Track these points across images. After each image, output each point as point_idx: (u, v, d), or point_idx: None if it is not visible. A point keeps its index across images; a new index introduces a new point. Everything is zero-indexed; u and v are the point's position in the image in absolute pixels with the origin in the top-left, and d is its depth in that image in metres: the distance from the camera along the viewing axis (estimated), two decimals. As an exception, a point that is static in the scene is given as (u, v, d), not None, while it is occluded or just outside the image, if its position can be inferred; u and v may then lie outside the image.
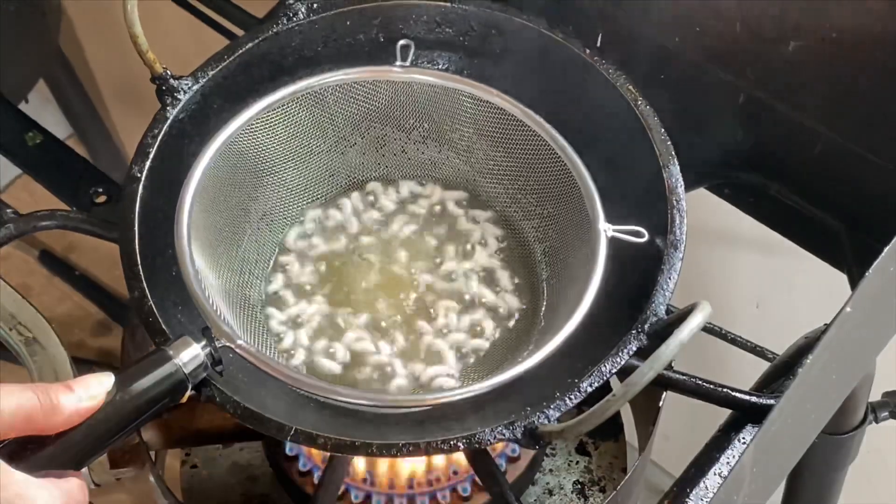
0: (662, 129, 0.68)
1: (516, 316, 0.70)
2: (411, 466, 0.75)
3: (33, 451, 0.51)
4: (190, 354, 0.56)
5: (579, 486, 0.81)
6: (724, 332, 0.84)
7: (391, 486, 0.74)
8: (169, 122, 0.69)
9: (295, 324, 0.70)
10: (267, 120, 0.68)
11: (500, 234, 0.74)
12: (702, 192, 0.82)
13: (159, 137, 0.68)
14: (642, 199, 0.66)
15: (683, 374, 0.63)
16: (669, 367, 0.64)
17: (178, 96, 0.69)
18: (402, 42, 0.69)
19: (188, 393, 0.57)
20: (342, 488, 0.74)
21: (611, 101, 0.69)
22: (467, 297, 0.71)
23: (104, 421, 0.53)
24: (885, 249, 0.60)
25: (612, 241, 0.62)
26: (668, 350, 0.52)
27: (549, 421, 0.58)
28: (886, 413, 0.87)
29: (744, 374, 0.70)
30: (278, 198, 0.73)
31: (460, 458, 0.74)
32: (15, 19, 1.05)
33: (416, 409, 0.60)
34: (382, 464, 0.74)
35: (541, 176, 0.69)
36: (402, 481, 0.75)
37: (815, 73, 0.74)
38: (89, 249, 1.41)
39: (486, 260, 0.72)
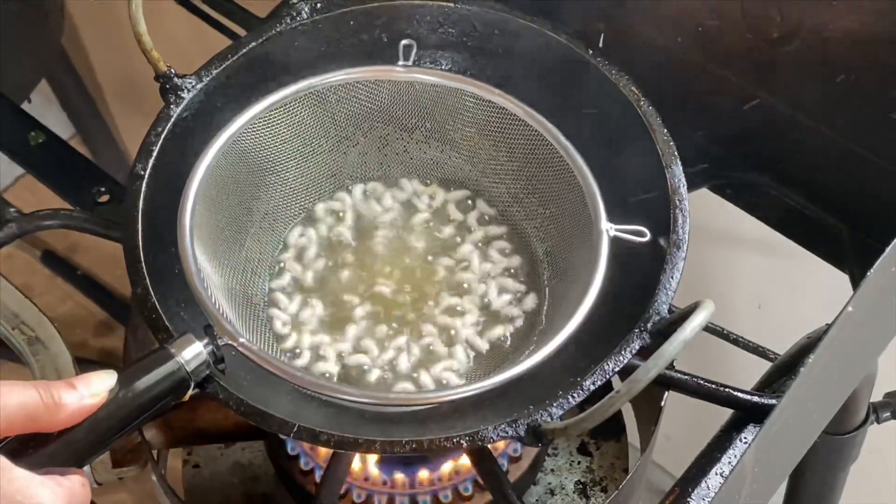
0: (665, 130, 0.68)
1: (518, 315, 0.70)
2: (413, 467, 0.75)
3: (35, 448, 0.51)
4: (192, 352, 0.56)
5: (581, 486, 0.81)
6: (725, 332, 0.84)
7: (392, 485, 0.74)
8: (173, 120, 0.69)
9: (297, 323, 0.70)
10: (269, 119, 0.68)
11: (502, 233, 0.74)
12: (704, 192, 0.82)
13: (163, 135, 0.68)
14: (645, 199, 0.66)
15: (685, 373, 0.63)
16: (671, 366, 0.64)
17: (182, 95, 0.69)
18: (404, 42, 0.70)
19: (190, 391, 0.57)
20: (344, 487, 0.74)
21: (613, 102, 0.70)
22: (469, 296, 0.71)
23: (106, 419, 0.53)
24: (887, 250, 0.60)
25: (615, 241, 0.62)
26: (672, 347, 0.52)
27: (552, 419, 0.58)
28: (888, 413, 0.87)
29: (745, 374, 0.70)
30: (281, 197, 0.73)
31: (462, 457, 0.74)
32: (18, 19, 1.05)
33: (419, 408, 0.60)
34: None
35: (543, 176, 0.69)
36: (404, 480, 0.75)
37: (817, 73, 0.74)
38: (91, 249, 1.42)
39: (488, 260, 0.72)
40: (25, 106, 1.08)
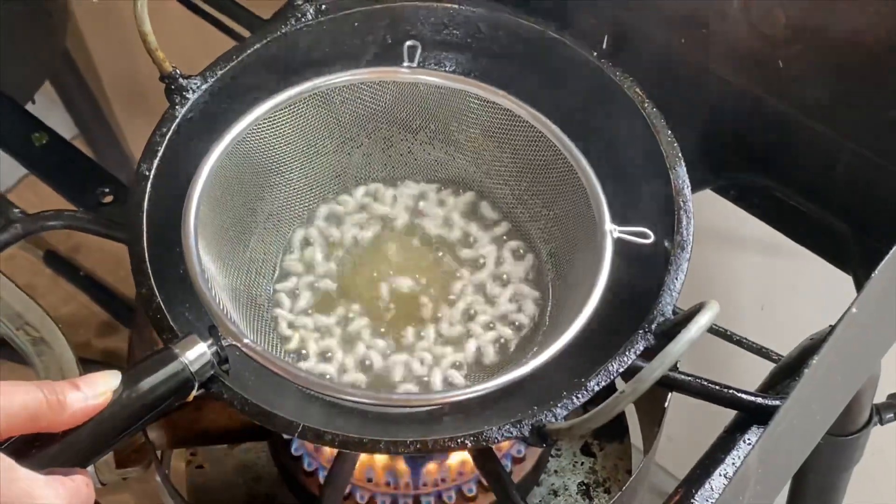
0: (669, 131, 0.68)
1: (521, 317, 0.70)
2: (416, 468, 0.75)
3: (39, 448, 0.51)
4: (196, 353, 0.56)
5: (584, 487, 0.81)
6: (728, 333, 0.84)
7: (396, 486, 0.74)
8: (177, 120, 0.69)
9: (302, 325, 0.70)
10: (274, 120, 0.68)
11: (505, 234, 0.74)
12: (707, 194, 0.82)
13: (168, 136, 0.68)
14: (649, 201, 0.66)
15: (689, 375, 0.63)
16: (675, 368, 0.64)
17: (187, 95, 0.70)
18: (409, 43, 0.70)
19: (194, 392, 0.57)
20: (347, 488, 0.74)
21: (617, 103, 0.70)
22: (473, 298, 0.71)
23: (111, 419, 0.53)
24: (892, 251, 0.60)
25: (619, 243, 0.62)
26: (679, 346, 0.52)
27: (556, 419, 0.58)
28: (891, 415, 0.87)
29: (748, 375, 0.70)
30: (285, 198, 0.73)
31: (466, 458, 0.74)
32: (22, 20, 1.06)
33: (424, 409, 0.60)
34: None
35: (547, 177, 0.69)
36: (407, 482, 0.75)
37: (821, 74, 0.74)
38: (94, 250, 1.42)
39: (491, 261, 0.72)
40: (29, 107, 1.08)
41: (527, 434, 0.57)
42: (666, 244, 0.63)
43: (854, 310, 0.58)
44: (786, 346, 0.69)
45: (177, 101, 0.70)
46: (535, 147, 0.69)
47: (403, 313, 0.70)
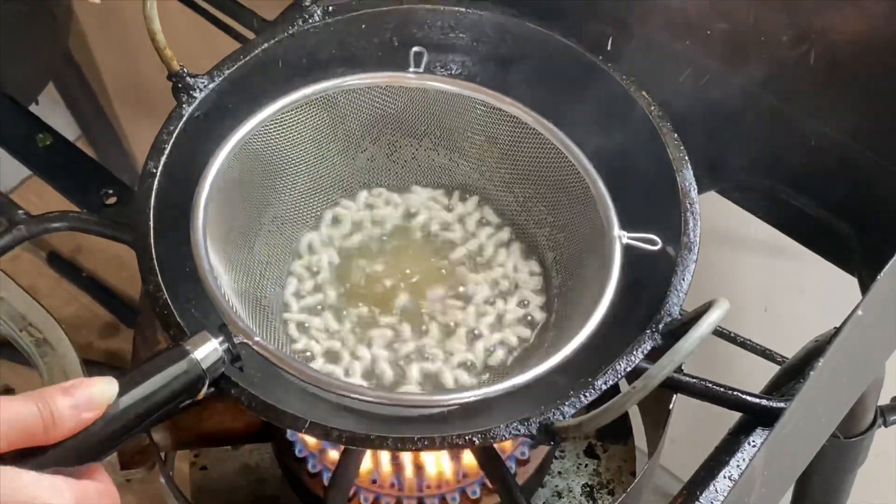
0: (675, 134, 0.68)
1: (528, 322, 0.70)
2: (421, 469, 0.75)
3: (37, 452, 0.51)
4: (207, 350, 0.56)
5: (588, 489, 0.81)
6: (732, 335, 0.84)
7: (401, 487, 0.74)
8: (184, 119, 0.69)
9: (309, 327, 0.70)
10: (279, 122, 0.68)
11: (511, 241, 0.74)
12: (711, 196, 0.82)
13: (174, 134, 0.68)
14: (656, 204, 0.66)
15: (694, 377, 0.63)
16: (680, 370, 0.64)
17: (194, 94, 0.70)
18: (415, 49, 0.70)
19: (205, 390, 0.56)
20: (352, 490, 0.74)
21: (623, 106, 0.70)
22: (478, 303, 0.71)
23: (121, 416, 0.53)
24: (898, 252, 0.59)
25: (626, 247, 0.62)
26: (688, 343, 0.52)
27: (564, 418, 0.58)
28: (895, 417, 0.87)
29: (752, 377, 0.70)
30: (290, 201, 0.73)
31: (470, 460, 0.74)
32: (25, 21, 1.06)
33: (433, 409, 0.60)
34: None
35: (553, 183, 0.69)
36: (412, 483, 0.75)
37: (825, 76, 0.74)
38: (97, 251, 1.42)
39: (497, 266, 0.72)
40: (32, 108, 1.08)
41: (535, 432, 0.57)
42: (668, 250, 0.63)
43: (860, 312, 0.58)
44: (789, 348, 0.69)
45: (184, 99, 0.70)
46: (540, 153, 0.69)
47: (410, 316, 0.70)
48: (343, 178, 0.75)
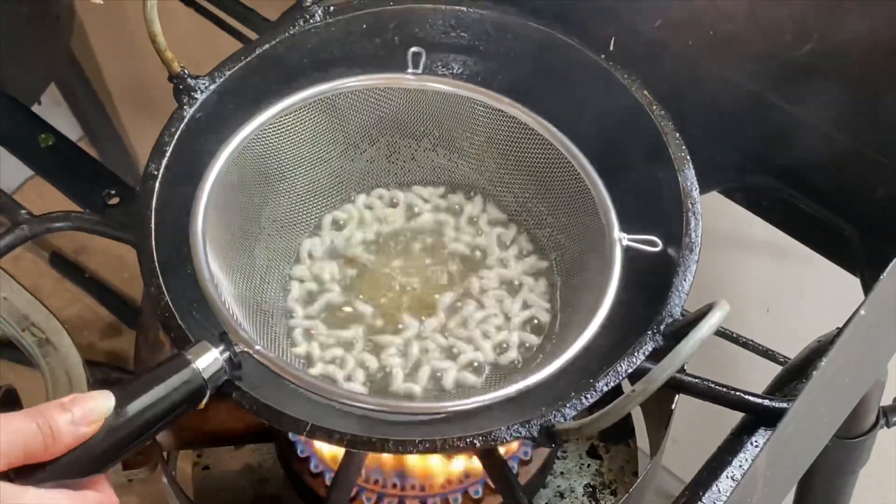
0: (677, 133, 0.68)
1: (532, 324, 0.70)
2: (423, 469, 0.75)
3: (40, 466, 0.51)
4: (208, 359, 0.56)
5: (590, 489, 0.81)
6: (735, 335, 0.84)
7: (403, 488, 0.74)
8: (185, 120, 0.69)
9: (311, 331, 0.70)
10: (278, 126, 0.68)
11: (511, 242, 0.74)
12: (714, 196, 0.82)
13: (176, 136, 0.68)
14: (657, 203, 0.66)
15: (696, 377, 0.63)
16: (682, 370, 0.64)
17: (195, 95, 0.70)
18: (413, 49, 0.70)
19: (206, 398, 0.57)
20: (354, 490, 0.74)
21: (625, 105, 0.70)
22: (481, 303, 0.71)
23: (125, 426, 0.53)
24: (901, 253, 0.59)
25: (627, 248, 0.62)
26: (690, 345, 0.52)
27: (565, 419, 0.58)
28: (898, 417, 0.87)
29: (754, 377, 0.70)
30: (289, 204, 0.73)
31: (472, 459, 0.74)
32: (28, 22, 1.06)
33: (435, 416, 0.60)
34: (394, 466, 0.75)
35: (553, 184, 0.69)
36: (414, 483, 0.75)
37: (829, 77, 0.74)
38: (99, 252, 1.42)
39: (498, 268, 0.72)
40: (34, 108, 1.08)
41: (536, 434, 0.57)
42: (669, 252, 0.63)
43: (862, 312, 0.59)
44: (792, 349, 0.68)
45: (185, 101, 0.70)
46: (540, 154, 0.69)
47: (409, 321, 0.70)
48: (342, 181, 0.75)
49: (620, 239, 0.62)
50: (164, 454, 0.72)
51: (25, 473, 0.51)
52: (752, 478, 0.59)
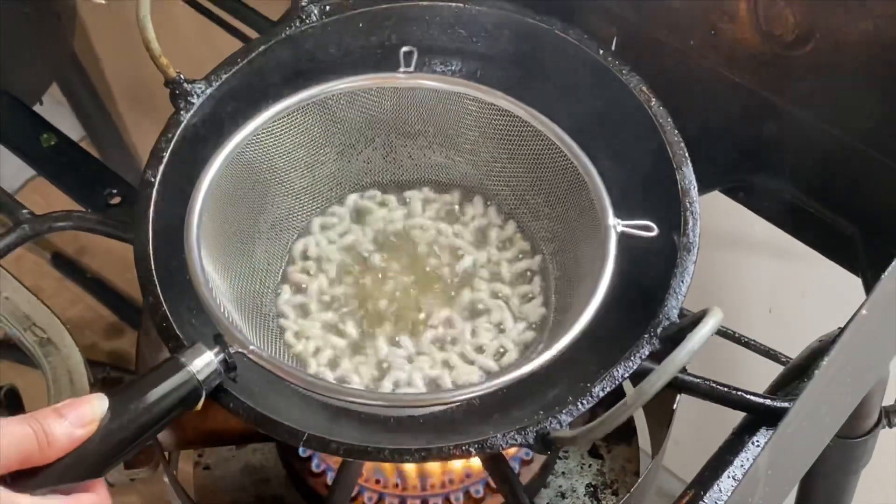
0: (676, 131, 0.68)
1: (527, 318, 0.70)
2: (424, 469, 0.75)
3: (37, 471, 0.51)
4: (203, 362, 0.57)
5: (592, 489, 0.81)
6: (737, 335, 0.84)
7: (404, 487, 0.74)
8: (182, 126, 0.69)
9: (305, 332, 0.70)
10: (271, 130, 0.68)
11: (508, 235, 0.73)
12: (715, 195, 0.82)
13: (173, 141, 0.68)
14: (655, 201, 0.66)
15: (697, 377, 0.63)
16: (683, 370, 0.64)
17: (192, 100, 0.70)
18: (405, 48, 0.69)
19: (202, 400, 0.57)
20: (355, 490, 0.74)
21: (624, 102, 0.70)
22: (479, 301, 0.70)
23: (119, 430, 0.53)
24: (902, 252, 0.59)
25: (624, 242, 0.62)
26: (679, 359, 0.52)
27: (562, 426, 0.58)
28: (899, 418, 0.87)
29: (756, 378, 0.70)
30: (286, 207, 0.72)
31: (474, 460, 0.75)
32: (31, 22, 1.06)
33: (429, 411, 0.60)
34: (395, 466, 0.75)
35: (548, 175, 0.69)
36: (415, 483, 0.75)
37: (830, 76, 0.74)
38: (101, 252, 1.42)
39: (495, 262, 0.72)
40: (36, 108, 1.08)
41: (531, 441, 0.57)
42: (675, 238, 0.63)
43: (864, 311, 0.58)
44: (794, 349, 0.68)
45: (181, 106, 0.70)
46: (533, 145, 0.68)
47: (406, 318, 0.70)
48: (339, 182, 0.75)
49: (615, 225, 0.62)
50: (166, 454, 0.72)
51: (22, 478, 0.51)
52: (753, 477, 0.59)
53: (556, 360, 0.59)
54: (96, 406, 0.53)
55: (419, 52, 0.69)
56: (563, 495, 0.81)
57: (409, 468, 0.74)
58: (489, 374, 0.67)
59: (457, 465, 0.75)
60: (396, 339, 0.69)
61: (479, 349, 0.68)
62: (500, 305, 0.70)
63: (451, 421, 0.62)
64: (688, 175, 0.66)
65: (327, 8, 0.74)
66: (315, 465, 0.75)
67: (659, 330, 0.61)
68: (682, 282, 0.62)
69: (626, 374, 0.60)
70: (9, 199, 0.76)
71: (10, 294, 0.74)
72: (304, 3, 0.74)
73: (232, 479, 0.82)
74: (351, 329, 0.69)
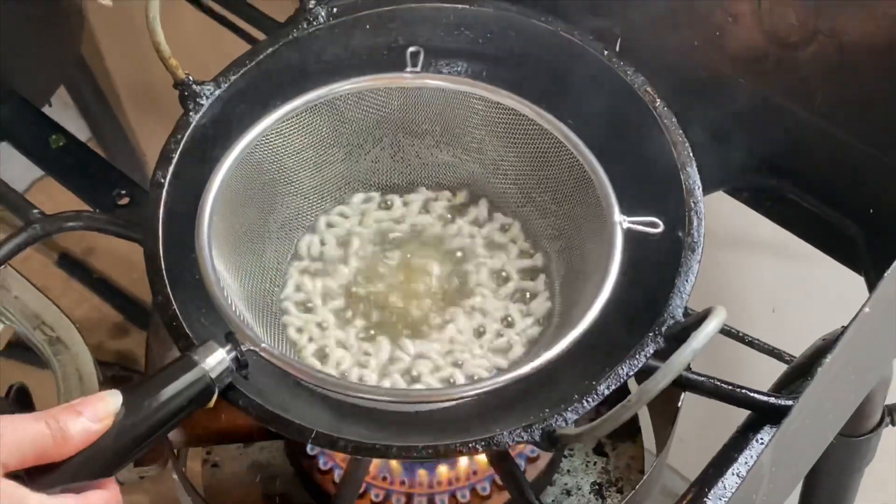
0: (680, 131, 0.68)
1: (534, 314, 0.70)
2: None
3: (53, 468, 0.52)
4: (215, 360, 0.57)
5: (597, 487, 0.82)
6: (741, 334, 0.84)
7: (411, 484, 0.75)
8: (192, 127, 0.69)
9: (312, 331, 0.70)
10: (280, 131, 0.68)
11: (515, 233, 0.74)
12: (720, 196, 0.83)
13: (182, 142, 0.69)
14: (660, 201, 0.66)
15: (702, 375, 0.63)
16: (688, 368, 0.64)
17: (201, 101, 0.70)
18: (411, 49, 0.70)
19: (214, 398, 0.57)
20: (362, 487, 0.74)
21: (628, 103, 0.70)
22: (486, 299, 0.71)
23: (133, 428, 0.54)
24: (904, 251, 0.60)
25: (630, 240, 0.62)
26: (682, 358, 0.52)
27: (567, 423, 0.58)
28: (903, 416, 0.88)
29: (761, 377, 0.70)
30: (295, 206, 0.73)
31: (480, 457, 0.75)
32: (39, 24, 1.07)
33: (437, 407, 0.61)
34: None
35: (555, 173, 0.69)
36: (422, 480, 0.75)
37: (833, 76, 0.74)
38: (107, 253, 1.42)
39: (502, 260, 0.73)
40: (44, 110, 1.08)
41: (537, 439, 0.58)
42: (680, 235, 0.63)
43: (867, 310, 0.59)
44: (798, 348, 0.69)
45: (190, 107, 0.70)
46: (540, 144, 0.69)
47: (413, 316, 0.70)
48: (348, 181, 0.75)
49: (621, 222, 0.62)
50: (175, 451, 0.73)
51: (37, 475, 0.51)
52: (757, 474, 0.60)
53: (562, 359, 0.59)
54: (110, 402, 0.53)
55: (425, 53, 0.70)
56: (568, 493, 0.81)
57: (416, 465, 0.75)
58: (498, 371, 0.68)
59: (463, 462, 0.75)
60: (403, 336, 0.69)
61: (486, 346, 0.69)
62: (506, 303, 0.71)
63: (457, 419, 0.62)
64: (692, 174, 0.66)
65: (334, 10, 0.74)
66: (322, 463, 0.76)
67: (664, 328, 0.61)
68: (687, 281, 0.63)
69: (632, 373, 0.60)
70: (20, 200, 0.76)
71: (19, 293, 0.74)
72: (310, 5, 0.74)
73: (240, 477, 0.82)
74: (358, 327, 0.70)
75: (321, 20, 0.74)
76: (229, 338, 0.58)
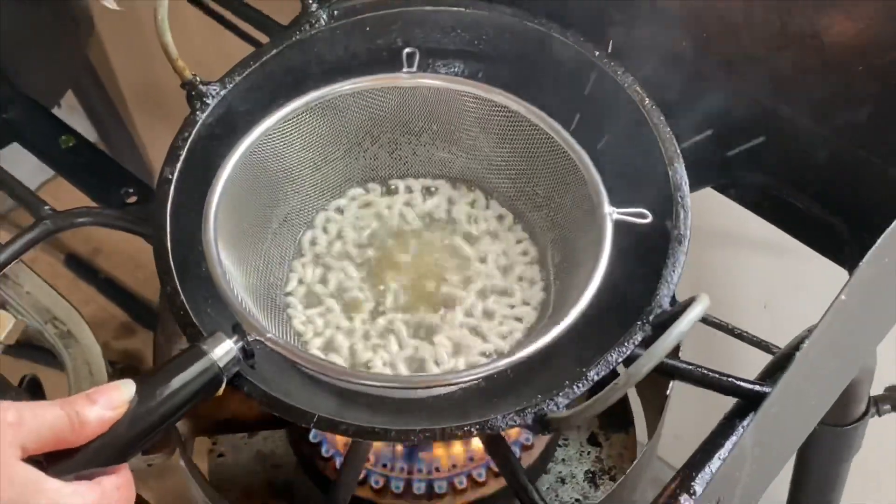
0: (668, 129, 0.69)
1: (528, 304, 0.72)
2: (429, 453, 0.77)
3: (70, 454, 0.53)
4: (223, 350, 0.58)
5: (590, 475, 0.83)
6: (730, 327, 0.85)
7: (409, 471, 0.76)
8: (198, 125, 0.71)
9: (315, 323, 0.71)
10: (282, 131, 0.70)
11: (509, 225, 0.75)
12: (709, 193, 0.83)
13: (189, 140, 0.71)
14: (649, 196, 0.67)
15: (690, 363, 0.64)
16: (677, 357, 0.66)
17: (207, 101, 0.72)
18: (407, 50, 0.71)
19: (223, 387, 0.59)
20: (362, 473, 0.76)
21: (618, 101, 0.71)
22: (479, 289, 0.72)
23: (145, 416, 0.55)
24: (879, 239, 0.60)
25: (620, 232, 0.64)
26: (668, 340, 0.54)
27: (558, 408, 0.60)
28: (888, 406, 0.88)
29: (750, 368, 0.71)
30: (297, 202, 0.74)
31: (477, 445, 0.76)
32: (49, 27, 1.08)
33: (435, 394, 0.62)
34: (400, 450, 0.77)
35: (547, 168, 0.71)
36: (420, 466, 0.77)
37: (817, 76, 0.75)
38: (113, 253, 1.43)
39: (498, 252, 0.74)
40: (53, 111, 1.10)
41: (530, 422, 0.59)
42: (668, 225, 0.65)
43: (843, 297, 0.59)
44: (786, 340, 0.68)
45: (197, 106, 0.72)
46: (532, 139, 0.70)
47: (412, 307, 0.72)
48: (347, 178, 0.76)
49: (611, 213, 0.64)
50: (182, 440, 0.74)
51: (54, 461, 0.53)
52: (739, 455, 0.61)
53: (554, 347, 0.61)
54: (124, 391, 0.55)
55: (424, 55, 0.72)
56: (562, 481, 0.82)
57: (414, 452, 0.76)
58: (498, 356, 0.69)
59: (459, 449, 0.77)
60: (405, 325, 0.70)
61: (489, 333, 0.70)
62: (504, 291, 0.72)
63: (454, 405, 0.64)
64: (679, 170, 0.68)
65: (335, 13, 0.76)
66: (325, 451, 0.77)
67: (651, 317, 0.63)
68: (674, 271, 0.64)
69: (620, 359, 0.62)
70: (31, 196, 0.77)
71: (30, 289, 0.75)
72: (312, 8, 0.76)
73: (244, 466, 0.83)
74: (358, 317, 0.71)
75: (323, 23, 0.76)
76: (236, 329, 0.60)
